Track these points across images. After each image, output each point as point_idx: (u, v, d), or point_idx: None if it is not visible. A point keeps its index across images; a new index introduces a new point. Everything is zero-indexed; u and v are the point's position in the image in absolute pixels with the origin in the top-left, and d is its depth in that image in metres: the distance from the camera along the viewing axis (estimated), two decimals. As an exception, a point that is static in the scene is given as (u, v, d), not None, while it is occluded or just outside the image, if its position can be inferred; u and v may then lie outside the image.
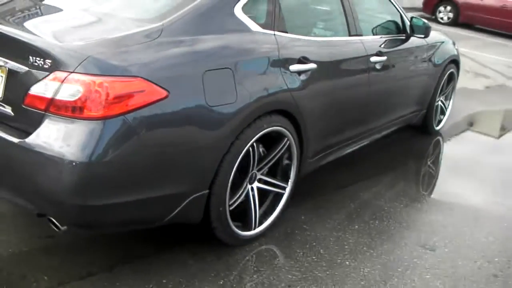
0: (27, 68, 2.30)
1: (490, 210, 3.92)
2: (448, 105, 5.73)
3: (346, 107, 3.58)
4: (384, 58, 3.89)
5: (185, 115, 2.39)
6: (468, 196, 4.14)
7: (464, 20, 15.13)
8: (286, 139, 3.03)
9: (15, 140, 2.27)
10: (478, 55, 10.97)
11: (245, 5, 2.80)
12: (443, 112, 5.62)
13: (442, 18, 15.47)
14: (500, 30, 14.66)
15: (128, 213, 2.39)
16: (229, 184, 2.71)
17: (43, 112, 2.24)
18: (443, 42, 5.15)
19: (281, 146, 3.03)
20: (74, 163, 2.15)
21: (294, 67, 2.97)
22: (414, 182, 4.36)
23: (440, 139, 5.53)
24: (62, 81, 2.19)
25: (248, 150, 2.76)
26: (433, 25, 14.95)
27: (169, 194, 2.46)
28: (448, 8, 15.36)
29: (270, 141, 2.99)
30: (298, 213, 3.46)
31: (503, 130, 6.42)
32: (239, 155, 2.69)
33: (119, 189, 2.29)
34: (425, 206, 3.85)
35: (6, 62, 2.38)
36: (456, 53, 5.42)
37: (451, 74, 5.41)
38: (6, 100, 2.41)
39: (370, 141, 4.27)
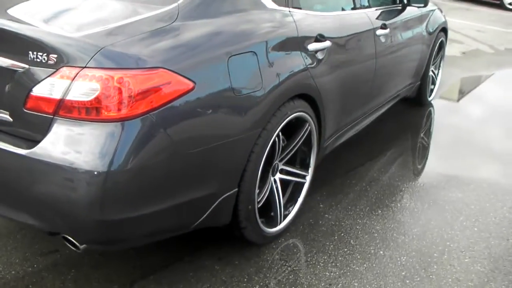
0: (26, 66, 1.96)
1: (504, 183, 3.78)
2: (438, 74, 5.58)
3: (357, 84, 3.37)
4: (387, 30, 3.68)
5: (213, 107, 2.11)
6: (478, 168, 4.01)
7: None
8: (307, 124, 2.79)
9: (21, 151, 1.95)
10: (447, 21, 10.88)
11: (259, -20, 2.51)
12: (433, 82, 5.47)
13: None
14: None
15: (156, 223, 2.11)
16: (258, 179, 2.45)
17: (51, 116, 1.93)
18: (434, 10, 4.98)
19: (303, 132, 2.79)
20: (92, 173, 1.85)
21: (312, 46, 2.73)
22: (425, 160, 4.18)
23: (432, 110, 5.39)
24: (73, 79, 1.87)
25: (274, 141, 2.50)
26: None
27: (198, 197, 2.19)
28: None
29: (291, 128, 2.73)
30: (316, 202, 3.24)
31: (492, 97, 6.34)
32: (267, 147, 2.44)
33: (147, 199, 2.00)
34: (442, 184, 3.68)
35: (2, 61, 2.03)
36: (444, 20, 5.28)
37: (441, 42, 5.28)
38: (2, 105, 2.07)
39: (376, 116, 4.07)
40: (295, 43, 2.59)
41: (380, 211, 3.21)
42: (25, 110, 1.98)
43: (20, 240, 2.69)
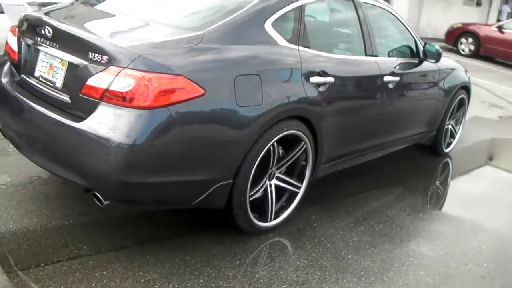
0: (86, 63, 2.71)
1: (486, 223, 4.21)
2: (458, 129, 6.02)
3: (358, 121, 3.94)
4: (397, 78, 4.24)
5: (218, 111, 2.79)
6: (468, 210, 4.45)
7: (484, 52, 15.42)
8: (303, 142, 3.40)
9: (73, 123, 2.68)
10: (495, 87, 11.26)
11: (274, 21, 3.20)
12: (452, 136, 5.92)
13: (463, 50, 15.80)
14: (519, 64, 14.94)
15: (163, 193, 2.78)
16: (251, 177, 3.08)
17: (97, 101, 2.65)
18: (454, 68, 5.47)
19: (298, 148, 3.40)
20: (121, 145, 2.55)
21: (314, 79, 3.35)
22: (421, 196, 4.65)
23: (449, 161, 5.83)
24: (116, 75, 2.59)
25: (269, 149, 3.13)
26: (454, 56, 15.14)
27: (199, 179, 2.84)
28: (470, 40, 15.68)
29: (290, 143, 3.36)
30: (310, 213, 3.81)
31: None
32: (261, 152, 3.07)
33: (157, 171, 2.68)
34: (427, 216, 4.18)
35: (69, 57, 2.79)
36: (467, 80, 5.74)
37: (462, 99, 5.72)
38: (65, 90, 2.83)
39: (381, 155, 4.61)
40: (297, 74, 3.23)
41: (362, 228, 3.75)
42: (80, 95, 2.72)
43: (63, 203, 3.42)
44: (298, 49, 3.32)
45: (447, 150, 5.87)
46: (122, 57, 2.62)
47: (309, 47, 3.43)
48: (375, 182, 4.71)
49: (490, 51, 15.34)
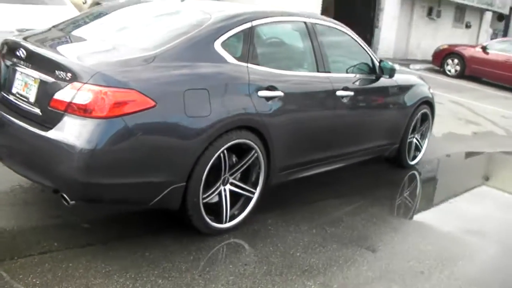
0: (53, 80, 3.11)
1: (437, 226, 4.55)
2: (424, 143, 6.36)
3: (311, 132, 4.29)
4: (350, 93, 4.60)
5: (169, 121, 3.17)
6: (422, 215, 4.79)
7: (470, 73, 15.86)
8: (254, 151, 3.75)
9: (41, 132, 3.07)
10: (475, 105, 11.64)
11: (223, 42, 3.60)
12: (418, 149, 6.26)
13: (449, 71, 16.24)
14: (503, 83, 15.33)
15: (121, 193, 3.15)
16: (203, 180, 3.43)
17: (63, 112, 3.04)
18: (414, 84, 5.82)
19: (249, 156, 3.76)
20: (83, 150, 2.93)
21: (262, 93, 3.73)
22: (381, 206, 4.93)
23: (415, 172, 6.17)
24: (78, 90, 2.98)
25: (220, 156, 3.50)
26: (441, 77, 15.62)
27: (154, 181, 3.20)
28: (456, 61, 16.13)
29: (244, 152, 3.72)
30: (267, 217, 4.15)
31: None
32: (211, 158, 3.43)
33: (115, 173, 3.05)
34: (381, 222, 4.50)
35: (40, 75, 3.19)
36: (429, 95, 6.08)
37: (425, 114, 6.06)
38: (36, 104, 3.23)
39: (341, 165, 4.93)
40: (245, 89, 3.61)
41: (314, 231, 4.08)
42: (49, 108, 3.11)
43: (40, 207, 3.80)
44: (247, 66, 3.70)
45: (412, 163, 6.19)
46: (83, 74, 3.01)
47: (258, 65, 3.81)
48: (338, 191, 5.04)
49: (475, 71, 15.77)
